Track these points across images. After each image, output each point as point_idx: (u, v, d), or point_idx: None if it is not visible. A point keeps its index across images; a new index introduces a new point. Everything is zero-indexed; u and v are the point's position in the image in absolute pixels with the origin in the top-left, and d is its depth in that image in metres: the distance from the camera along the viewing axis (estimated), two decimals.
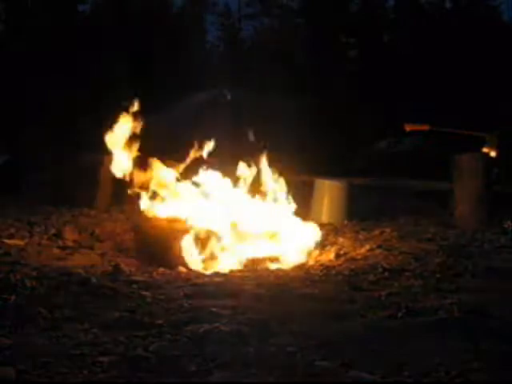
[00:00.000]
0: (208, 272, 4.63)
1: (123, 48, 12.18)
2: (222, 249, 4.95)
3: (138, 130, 5.27)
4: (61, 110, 10.70)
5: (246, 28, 16.12)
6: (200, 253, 4.85)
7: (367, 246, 5.19)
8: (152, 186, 5.29)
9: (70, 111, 10.67)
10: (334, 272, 4.44)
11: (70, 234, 5.67)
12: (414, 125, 8.71)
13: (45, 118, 10.66)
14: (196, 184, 5.42)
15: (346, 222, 6.92)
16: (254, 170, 5.59)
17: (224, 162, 5.71)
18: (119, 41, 12.37)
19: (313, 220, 6.12)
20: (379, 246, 5.15)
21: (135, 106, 5.27)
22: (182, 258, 4.75)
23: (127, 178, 5.29)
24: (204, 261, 4.84)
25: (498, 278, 3.99)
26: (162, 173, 5.31)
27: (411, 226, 6.40)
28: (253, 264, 4.98)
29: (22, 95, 11.29)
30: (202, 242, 4.88)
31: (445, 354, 2.58)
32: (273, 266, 4.96)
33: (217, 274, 4.48)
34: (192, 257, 4.80)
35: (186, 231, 4.88)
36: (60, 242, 5.44)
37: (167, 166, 5.37)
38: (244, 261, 4.98)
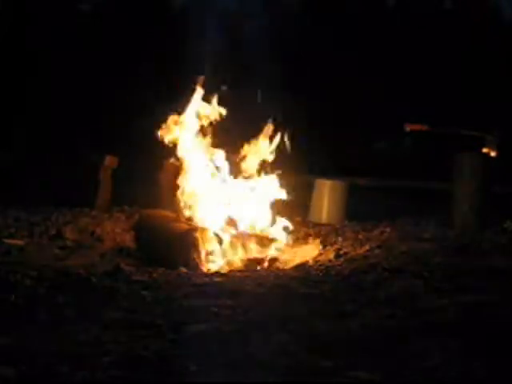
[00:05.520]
0: (208, 272, 4.63)
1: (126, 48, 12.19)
2: (222, 248, 4.96)
3: None
4: (64, 107, 10.71)
5: (246, 27, 16.08)
6: (201, 253, 4.85)
7: (367, 246, 5.19)
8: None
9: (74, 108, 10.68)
10: (333, 272, 4.44)
11: (70, 234, 5.68)
12: (414, 125, 8.70)
13: (46, 116, 10.66)
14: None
15: (346, 222, 6.93)
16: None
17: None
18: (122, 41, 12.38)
19: (313, 220, 6.14)
20: (379, 246, 5.14)
21: None
22: (183, 257, 4.75)
23: None
24: (204, 261, 4.84)
25: (498, 278, 3.99)
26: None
27: (411, 226, 6.40)
28: (253, 264, 4.98)
29: (21, 94, 11.29)
30: (202, 241, 4.89)
31: (445, 354, 2.58)
32: (273, 266, 4.96)
33: (217, 273, 4.49)
34: (193, 257, 4.80)
35: (187, 231, 4.89)
36: (60, 242, 5.45)
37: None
38: (244, 261, 4.98)
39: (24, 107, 11.18)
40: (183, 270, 4.59)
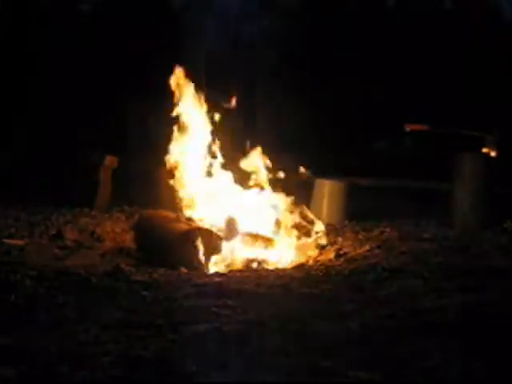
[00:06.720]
0: (208, 272, 4.63)
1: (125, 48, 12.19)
2: (223, 248, 4.95)
3: None
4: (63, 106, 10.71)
5: (246, 27, 16.10)
6: (201, 253, 4.85)
7: (367, 246, 5.19)
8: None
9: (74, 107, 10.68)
10: (333, 272, 4.44)
11: (70, 234, 5.68)
12: (414, 125, 8.70)
13: (46, 116, 10.66)
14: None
15: (346, 222, 6.93)
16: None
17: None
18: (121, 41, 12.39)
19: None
20: (379, 246, 5.14)
21: None
22: (183, 257, 4.75)
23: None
24: (204, 261, 4.84)
25: (498, 278, 3.99)
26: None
27: (411, 226, 6.40)
28: (253, 264, 4.97)
29: (21, 94, 11.29)
30: (202, 241, 4.88)
31: (445, 354, 2.58)
32: (273, 266, 4.96)
33: (217, 274, 4.49)
34: (193, 257, 4.80)
35: (187, 231, 4.89)
36: (60, 242, 5.45)
37: None
38: (244, 261, 4.98)
39: (24, 107, 11.18)
40: (183, 270, 4.59)
